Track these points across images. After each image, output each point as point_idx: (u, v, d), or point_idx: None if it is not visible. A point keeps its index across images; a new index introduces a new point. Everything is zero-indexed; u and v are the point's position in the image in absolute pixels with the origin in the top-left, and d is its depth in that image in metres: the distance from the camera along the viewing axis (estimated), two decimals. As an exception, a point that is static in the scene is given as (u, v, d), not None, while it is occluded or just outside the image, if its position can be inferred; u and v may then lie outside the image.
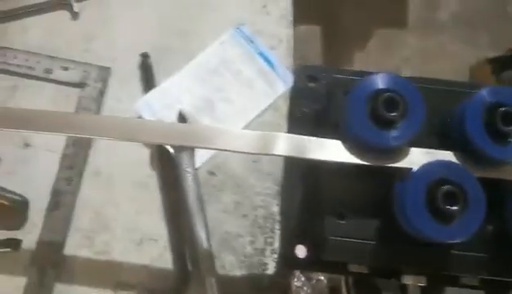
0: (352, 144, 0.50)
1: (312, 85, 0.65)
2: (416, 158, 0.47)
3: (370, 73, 0.53)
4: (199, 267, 0.57)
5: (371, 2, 1.54)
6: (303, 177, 0.61)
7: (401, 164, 0.47)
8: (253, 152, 0.48)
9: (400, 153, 0.48)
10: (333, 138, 0.52)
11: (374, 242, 0.50)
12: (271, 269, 0.60)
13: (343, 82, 0.59)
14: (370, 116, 0.47)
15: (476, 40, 1.53)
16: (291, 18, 0.68)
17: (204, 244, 0.57)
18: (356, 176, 0.55)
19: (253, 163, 0.62)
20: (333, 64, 1.45)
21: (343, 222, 0.53)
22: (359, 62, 1.55)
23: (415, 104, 0.47)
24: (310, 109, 0.64)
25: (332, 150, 0.51)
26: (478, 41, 1.53)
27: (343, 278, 0.66)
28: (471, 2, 1.60)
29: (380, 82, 0.49)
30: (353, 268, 0.55)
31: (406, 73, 1.52)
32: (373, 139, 0.47)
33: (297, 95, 0.64)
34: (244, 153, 0.48)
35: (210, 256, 0.57)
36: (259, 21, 0.67)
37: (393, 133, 0.47)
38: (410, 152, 0.48)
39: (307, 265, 0.60)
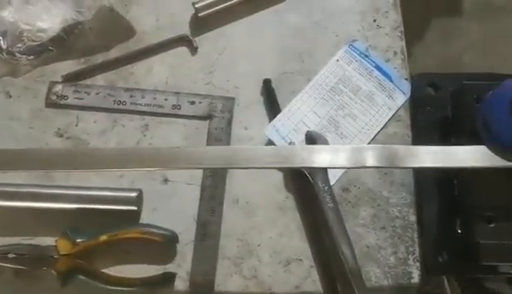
0: (499, 148, 0.51)
1: (433, 92, 0.65)
2: None
3: (507, 76, 0.54)
4: (348, 283, 0.58)
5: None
6: (438, 185, 0.62)
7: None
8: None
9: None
10: (470, 144, 0.53)
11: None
12: (416, 277, 0.60)
13: (472, 87, 0.59)
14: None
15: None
16: (402, 29, 0.68)
17: (350, 260, 0.59)
18: (500, 180, 0.56)
19: (384, 175, 0.64)
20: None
21: (492, 226, 0.55)
22: (419, 54, 1.54)
23: None
24: (435, 118, 0.64)
25: (477, 156, 0.52)
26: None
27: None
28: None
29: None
30: (504, 269, 0.56)
31: (468, 62, 1.51)
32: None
33: (418, 105, 0.65)
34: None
35: (358, 271, 0.58)
36: (372, 36, 0.68)
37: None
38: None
39: (450, 270, 0.61)
